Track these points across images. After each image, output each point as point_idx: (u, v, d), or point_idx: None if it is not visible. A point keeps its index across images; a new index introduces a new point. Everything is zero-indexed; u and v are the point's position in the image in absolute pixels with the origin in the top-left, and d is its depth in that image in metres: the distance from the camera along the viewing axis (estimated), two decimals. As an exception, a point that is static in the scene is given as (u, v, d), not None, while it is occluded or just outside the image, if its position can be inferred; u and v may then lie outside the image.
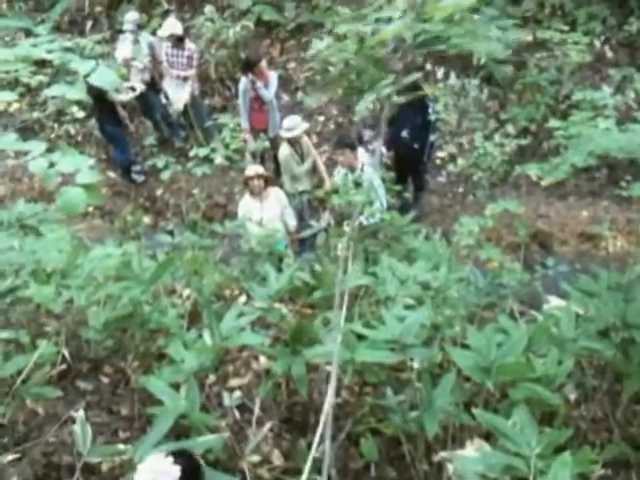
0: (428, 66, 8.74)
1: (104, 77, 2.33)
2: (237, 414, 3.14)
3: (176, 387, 2.84)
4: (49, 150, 2.18)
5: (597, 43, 8.72)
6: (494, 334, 2.86)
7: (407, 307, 3.36)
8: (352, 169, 6.20)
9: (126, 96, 8.37)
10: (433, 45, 2.51)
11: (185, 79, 8.60)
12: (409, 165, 7.37)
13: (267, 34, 10.03)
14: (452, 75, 8.36)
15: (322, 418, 2.10)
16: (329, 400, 2.12)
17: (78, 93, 2.35)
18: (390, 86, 2.37)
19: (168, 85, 8.79)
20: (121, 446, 2.71)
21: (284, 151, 6.92)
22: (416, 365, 3.01)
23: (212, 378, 3.37)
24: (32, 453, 3.00)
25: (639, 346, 2.84)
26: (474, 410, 2.45)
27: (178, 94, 8.65)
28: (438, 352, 3.08)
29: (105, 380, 3.50)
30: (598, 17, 8.81)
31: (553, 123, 3.65)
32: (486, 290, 3.70)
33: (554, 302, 3.62)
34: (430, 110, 6.64)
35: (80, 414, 2.70)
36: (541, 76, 8.23)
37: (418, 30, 2.30)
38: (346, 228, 4.99)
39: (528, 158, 6.83)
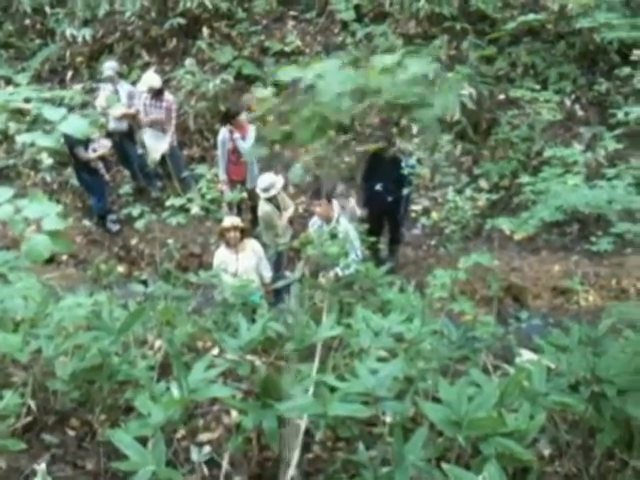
0: (404, 121, 8.91)
1: (75, 126, 2.33)
2: (205, 470, 3.05)
3: (144, 441, 2.77)
4: (20, 197, 2.17)
5: (568, 102, 9.01)
6: (466, 388, 2.84)
7: (380, 359, 3.33)
8: (328, 220, 6.24)
9: (93, 154, 8.45)
10: (409, 108, 2.56)
11: (163, 130, 8.67)
12: (385, 218, 7.44)
13: (246, 87, 10.19)
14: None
15: (288, 474, 2.06)
16: (296, 455, 2.08)
17: (49, 141, 2.35)
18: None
19: (146, 135, 8.85)
20: (83, 502, 2.62)
21: (264, 208, 6.98)
22: (389, 419, 2.97)
23: (181, 432, 3.29)
24: (-9, 509, 2.89)
25: (610, 400, 2.84)
26: (444, 465, 2.41)
27: (156, 144, 8.71)
28: (411, 406, 3.04)
29: (71, 433, 3.39)
30: (569, 77, 9.14)
31: (523, 179, 3.73)
32: (459, 343, 3.69)
33: (526, 356, 3.62)
34: (404, 164, 6.73)
35: (42, 468, 2.61)
36: (513, 133, 8.44)
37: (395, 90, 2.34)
38: (321, 279, 4.99)
39: (499, 212, 6.95)
